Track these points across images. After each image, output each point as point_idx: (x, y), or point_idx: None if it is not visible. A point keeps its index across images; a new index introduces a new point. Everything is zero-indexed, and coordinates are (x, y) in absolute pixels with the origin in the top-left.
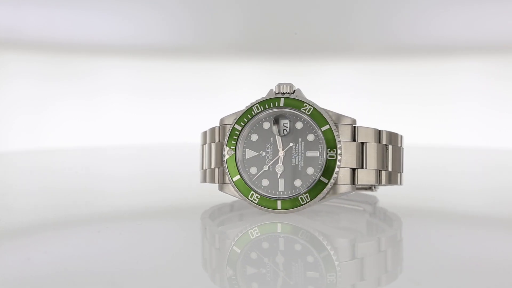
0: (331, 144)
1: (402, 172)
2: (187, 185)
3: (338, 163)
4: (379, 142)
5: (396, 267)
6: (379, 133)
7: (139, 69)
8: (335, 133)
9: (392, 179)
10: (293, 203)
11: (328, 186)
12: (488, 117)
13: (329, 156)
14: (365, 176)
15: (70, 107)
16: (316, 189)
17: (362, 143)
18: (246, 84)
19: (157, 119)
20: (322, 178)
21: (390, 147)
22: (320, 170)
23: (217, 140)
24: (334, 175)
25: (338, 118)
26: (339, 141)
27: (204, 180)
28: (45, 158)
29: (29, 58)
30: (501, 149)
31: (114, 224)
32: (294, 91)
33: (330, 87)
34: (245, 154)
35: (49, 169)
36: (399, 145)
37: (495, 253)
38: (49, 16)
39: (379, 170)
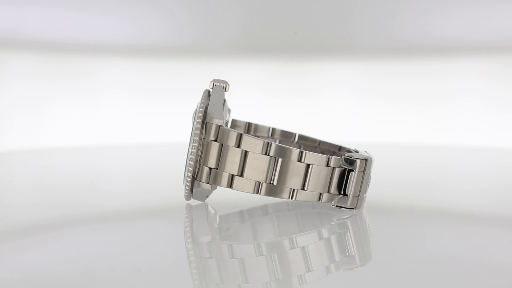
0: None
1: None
2: None
3: (189, 158)
4: (239, 147)
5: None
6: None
7: (139, 69)
8: (195, 131)
9: (272, 191)
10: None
11: (187, 179)
12: (488, 117)
13: (191, 152)
14: (218, 178)
15: (70, 107)
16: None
17: (222, 145)
18: (246, 84)
19: (157, 119)
20: (187, 171)
21: (249, 153)
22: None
23: None
24: (188, 169)
25: (210, 118)
26: (195, 138)
27: None
28: (45, 158)
29: (29, 58)
30: (501, 149)
31: (114, 223)
32: (213, 87)
33: (330, 87)
34: None
35: (49, 168)
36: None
37: (494, 253)
38: (49, 16)
39: (232, 175)
